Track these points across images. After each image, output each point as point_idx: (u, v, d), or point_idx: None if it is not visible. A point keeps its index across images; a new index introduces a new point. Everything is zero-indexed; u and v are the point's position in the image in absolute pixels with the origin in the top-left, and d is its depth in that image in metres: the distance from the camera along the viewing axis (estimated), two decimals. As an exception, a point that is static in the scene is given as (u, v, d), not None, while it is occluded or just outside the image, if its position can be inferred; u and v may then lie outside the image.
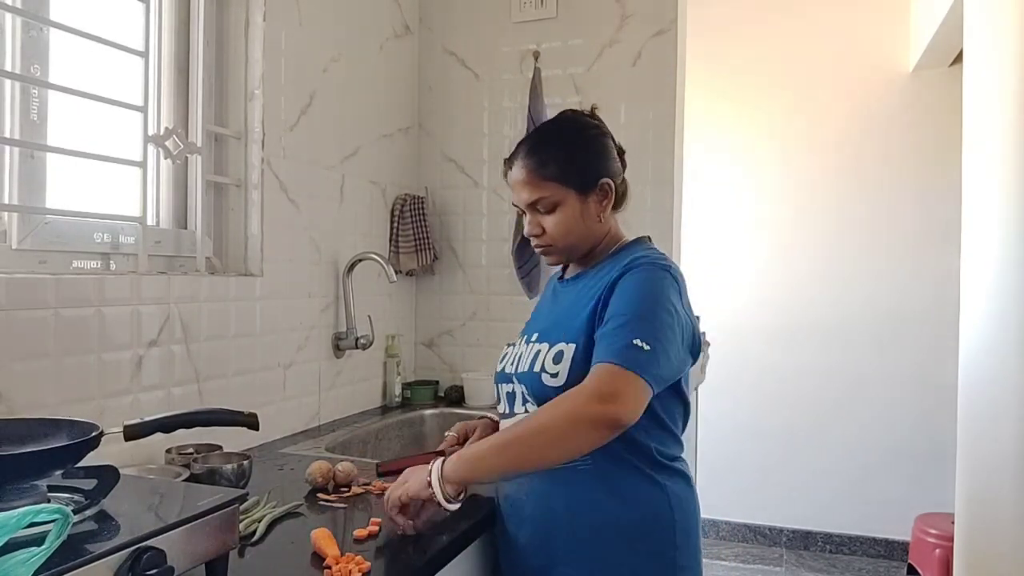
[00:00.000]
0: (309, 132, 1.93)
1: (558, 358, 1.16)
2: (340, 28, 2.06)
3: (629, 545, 1.13)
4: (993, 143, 2.05)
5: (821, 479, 3.75)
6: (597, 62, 2.30)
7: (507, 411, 1.26)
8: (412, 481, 1.12)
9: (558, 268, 1.40)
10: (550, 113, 2.30)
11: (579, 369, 1.12)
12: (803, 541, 3.80)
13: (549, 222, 1.25)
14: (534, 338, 1.25)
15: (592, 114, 1.33)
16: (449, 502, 1.09)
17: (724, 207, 3.92)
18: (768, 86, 3.79)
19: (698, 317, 3.19)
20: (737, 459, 3.86)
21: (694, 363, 1.22)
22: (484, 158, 2.43)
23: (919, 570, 3.16)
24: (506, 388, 1.27)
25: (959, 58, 3.20)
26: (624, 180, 1.33)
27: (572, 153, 1.25)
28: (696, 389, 2.74)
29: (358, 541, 1.12)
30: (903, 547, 3.53)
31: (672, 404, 1.20)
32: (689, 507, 1.20)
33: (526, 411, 1.20)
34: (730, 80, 3.83)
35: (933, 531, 3.08)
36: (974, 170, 2.19)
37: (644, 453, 1.15)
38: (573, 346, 1.15)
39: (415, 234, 2.34)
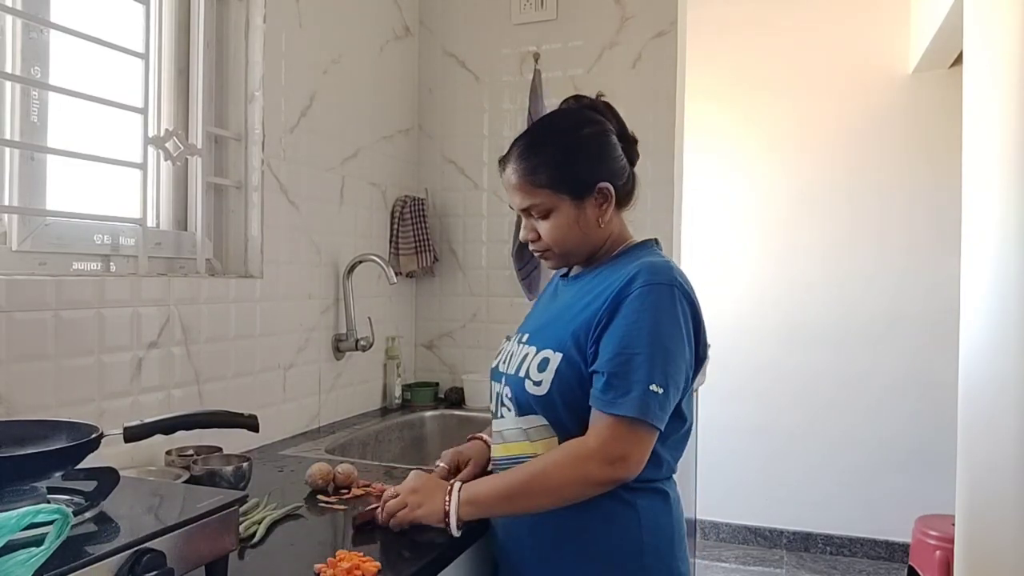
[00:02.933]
0: (309, 134, 1.93)
1: (543, 366, 1.13)
2: (340, 30, 2.06)
3: (593, 565, 1.12)
4: (993, 145, 2.05)
5: (821, 480, 3.75)
6: (597, 64, 2.30)
7: (495, 412, 1.25)
8: (427, 508, 1.13)
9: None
10: (550, 115, 2.31)
11: (563, 380, 1.11)
12: (803, 543, 3.79)
13: (544, 228, 1.20)
14: (525, 338, 1.22)
15: (595, 105, 1.25)
16: (458, 530, 1.13)
17: (723, 208, 3.92)
18: (768, 88, 3.80)
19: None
20: (737, 460, 3.85)
21: (699, 371, 1.18)
22: (484, 160, 2.43)
23: (920, 572, 3.16)
24: (496, 387, 1.25)
25: (959, 60, 3.20)
26: (631, 176, 1.26)
27: (565, 157, 1.18)
28: (697, 390, 2.74)
29: (359, 531, 1.15)
30: (904, 549, 3.53)
31: (671, 428, 1.13)
32: (664, 526, 1.15)
33: (505, 416, 1.20)
34: (730, 82, 3.83)
35: (934, 533, 3.07)
36: (974, 171, 2.19)
37: None
38: (560, 356, 1.12)
39: (415, 236, 2.34)
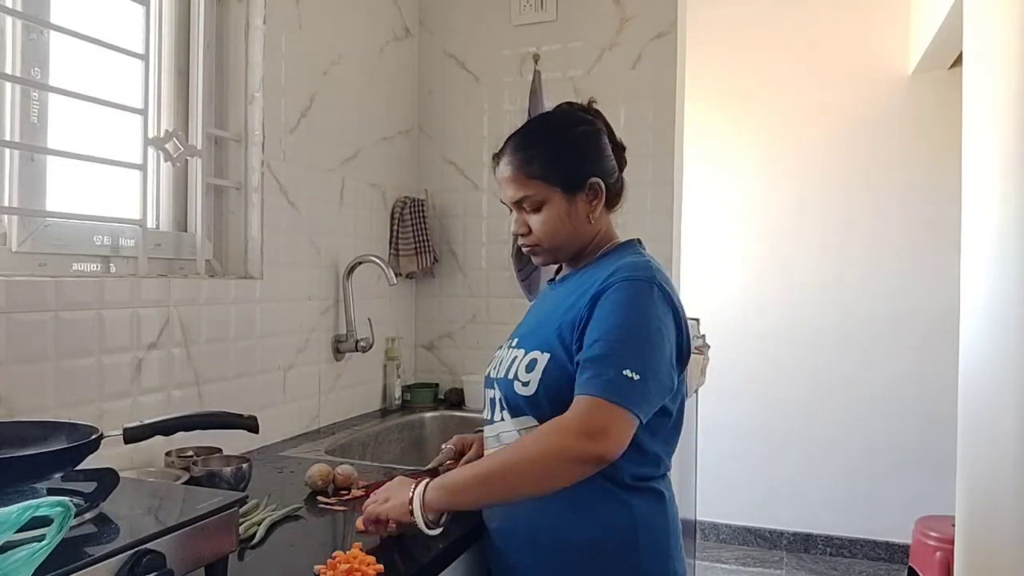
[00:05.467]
0: (309, 135, 1.93)
1: (531, 366, 1.13)
2: (340, 31, 2.06)
3: (588, 564, 1.11)
4: (993, 146, 2.05)
5: (821, 482, 3.75)
6: (597, 65, 2.30)
7: (488, 417, 1.25)
8: (393, 502, 1.10)
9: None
10: (550, 116, 2.32)
11: (550, 379, 1.11)
12: (803, 544, 3.79)
13: (535, 221, 1.21)
14: (514, 343, 1.23)
15: (588, 108, 1.29)
16: (429, 527, 1.07)
17: (723, 209, 3.93)
18: (767, 89, 3.80)
19: (696, 320, 3.17)
20: (737, 462, 3.85)
21: (683, 371, 1.17)
22: (484, 161, 2.43)
23: (920, 573, 3.16)
24: (489, 393, 1.25)
25: (958, 61, 3.21)
26: (620, 178, 1.28)
27: (559, 151, 1.21)
28: (696, 392, 2.74)
29: (362, 532, 1.14)
30: (904, 550, 3.53)
31: (656, 423, 1.12)
32: (659, 526, 1.14)
33: (502, 419, 1.19)
34: (729, 83, 3.84)
35: (934, 534, 3.07)
36: (973, 172, 2.19)
37: (613, 475, 1.10)
38: (547, 356, 1.13)
39: (415, 237, 2.34)
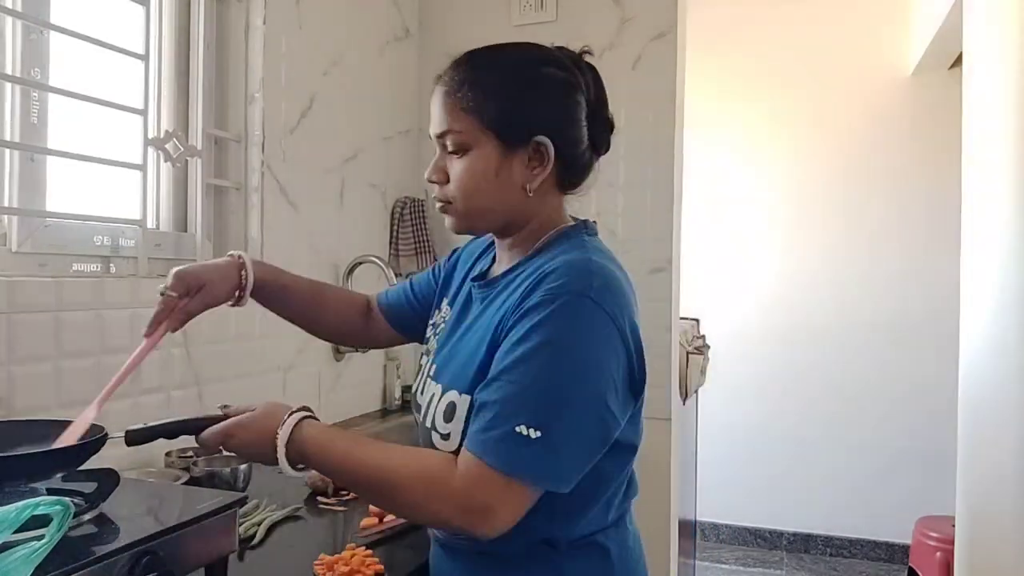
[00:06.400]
0: (309, 135, 1.93)
1: (449, 414, 0.89)
2: (340, 31, 2.06)
3: None
4: (993, 146, 2.05)
5: (821, 482, 3.75)
6: (597, 65, 2.29)
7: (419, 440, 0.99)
8: (253, 446, 0.89)
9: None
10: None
11: None
12: (804, 544, 3.79)
13: (455, 168, 0.94)
14: (432, 370, 0.98)
15: (576, 56, 1.00)
16: (295, 469, 0.89)
17: (725, 210, 3.93)
18: (767, 89, 3.80)
19: (696, 320, 3.15)
20: (738, 462, 3.85)
21: (638, 403, 0.92)
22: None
23: (920, 573, 3.16)
24: (416, 415, 1.00)
25: (959, 61, 3.20)
26: (589, 157, 0.98)
27: (508, 88, 0.93)
28: (696, 392, 2.73)
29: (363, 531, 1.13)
30: (904, 550, 3.53)
31: (603, 471, 0.89)
32: None
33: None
34: (729, 84, 3.84)
35: (934, 534, 3.07)
36: (974, 173, 2.20)
37: (543, 539, 0.90)
38: (467, 400, 0.87)
39: (415, 237, 2.33)
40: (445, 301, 1.12)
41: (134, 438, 0.93)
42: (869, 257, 3.69)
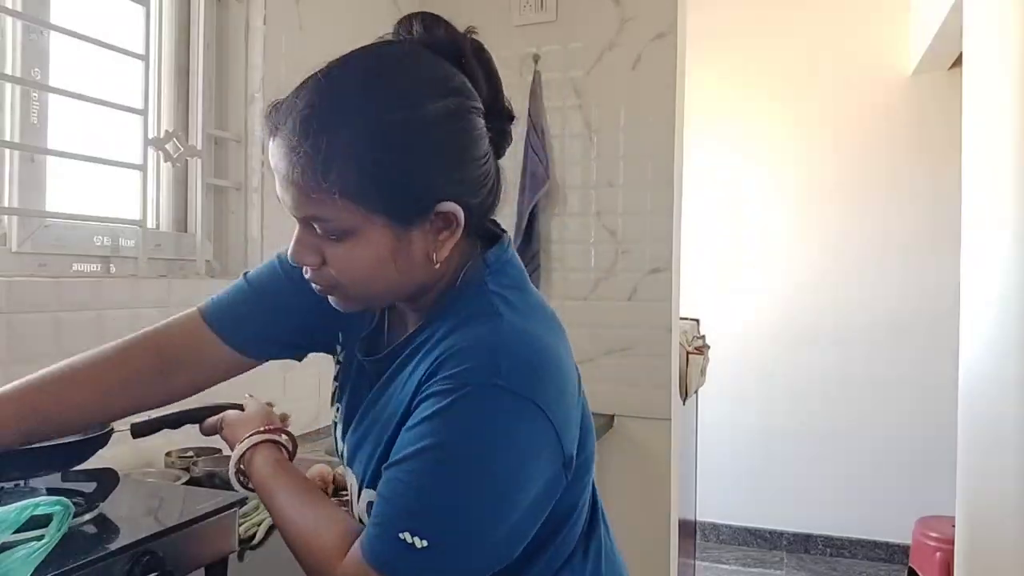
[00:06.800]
0: (309, 135, 1.93)
1: (371, 510, 0.76)
2: (340, 32, 2.06)
3: None
4: (993, 146, 2.05)
5: (821, 482, 3.75)
6: (597, 65, 2.30)
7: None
8: (231, 444, 0.94)
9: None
10: (551, 117, 2.30)
11: None
12: (803, 544, 3.79)
13: (336, 255, 0.72)
14: (344, 450, 0.87)
15: (456, 52, 0.82)
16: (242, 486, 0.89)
17: (725, 211, 3.93)
18: (767, 90, 3.80)
19: (696, 320, 3.14)
20: (737, 462, 3.85)
21: (581, 461, 0.77)
22: (484, 161, 2.42)
23: (920, 573, 3.16)
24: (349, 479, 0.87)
25: (958, 61, 3.20)
26: (494, 177, 0.77)
27: (390, 156, 0.68)
28: (696, 392, 2.73)
29: None
30: (904, 550, 3.53)
31: (554, 526, 0.78)
32: None
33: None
34: (729, 84, 3.84)
35: (934, 534, 3.07)
36: (973, 173, 2.20)
37: None
38: None
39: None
40: (339, 345, 0.99)
41: (140, 430, 0.94)
42: (869, 257, 3.69)
